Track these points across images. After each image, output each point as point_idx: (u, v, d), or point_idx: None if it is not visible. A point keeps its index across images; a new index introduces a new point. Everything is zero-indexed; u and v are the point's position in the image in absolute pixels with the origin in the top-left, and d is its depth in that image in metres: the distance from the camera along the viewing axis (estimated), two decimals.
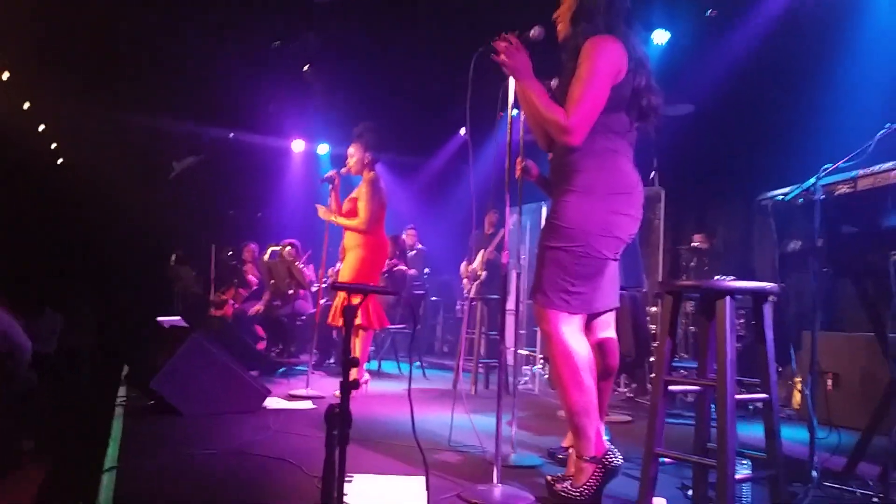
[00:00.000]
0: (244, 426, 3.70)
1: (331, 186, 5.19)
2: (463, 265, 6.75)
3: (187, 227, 9.80)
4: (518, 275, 5.53)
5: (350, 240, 5.06)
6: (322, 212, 5.10)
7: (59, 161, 11.31)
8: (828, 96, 5.57)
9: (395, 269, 7.09)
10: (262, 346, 7.32)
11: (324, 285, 6.31)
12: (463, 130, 9.62)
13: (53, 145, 11.05)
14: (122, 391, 4.61)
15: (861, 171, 2.68)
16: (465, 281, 6.73)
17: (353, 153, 5.09)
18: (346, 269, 5.04)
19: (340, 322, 4.93)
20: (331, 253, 5.38)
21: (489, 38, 2.76)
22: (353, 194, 5.12)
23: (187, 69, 8.01)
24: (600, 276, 2.58)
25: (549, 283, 2.53)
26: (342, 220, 5.05)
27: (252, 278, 8.30)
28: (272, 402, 4.43)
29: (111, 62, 8.01)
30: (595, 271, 2.54)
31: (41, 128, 10.39)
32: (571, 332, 2.53)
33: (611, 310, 2.81)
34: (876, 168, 2.64)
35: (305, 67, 8.05)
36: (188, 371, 3.96)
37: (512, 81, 2.79)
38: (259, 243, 8.63)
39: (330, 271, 5.89)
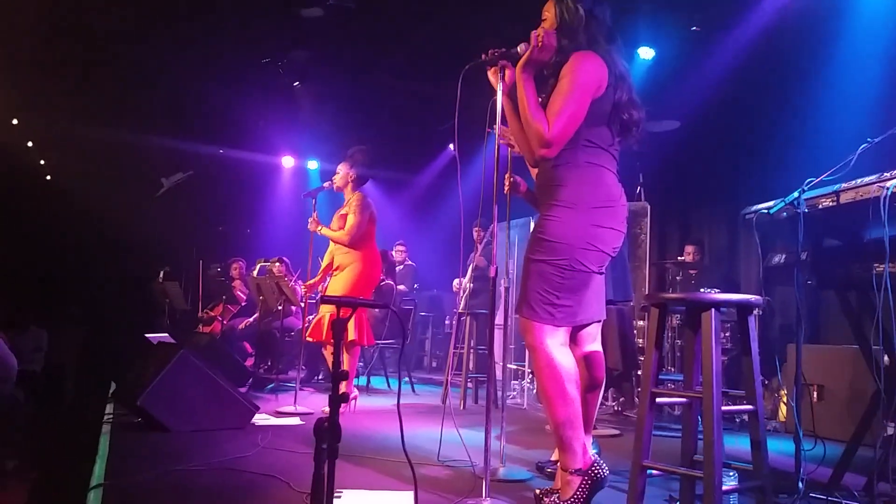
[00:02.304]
0: (232, 442, 3.68)
1: (313, 201, 5.22)
2: (456, 281, 6.76)
3: (176, 243, 9.77)
4: (507, 289, 5.55)
5: (344, 258, 5.06)
6: (310, 223, 5.13)
7: (48, 177, 11.27)
8: (810, 111, 5.65)
9: (382, 283, 7.09)
10: (250, 362, 7.29)
11: (311, 301, 6.30)
12: (451, 146, 9.67)
13: (42, 161, 11.01)
14: (109, 408, 4.58)
15: (843, 185, 2.72)
16: (459, 295, 6.74)
17: (340, 170, 5.16)
18: (338, 284, 5.03)
19: (320, 337, 4.93)
20: (316, 268, 5.38)
21: (477, 53, 2.80)
22: (342, 210, 5.15)
23: (176, 85, 8.02)
24: (585, 289, 2.60)
25: (534, 296, 2.54)
26: (328, 232, 5.08)
27: (240, 294, 8.28)
28: (260, 419, 4.41)
29: (100, 78, 8.01)
30: (580, 284, 2.56)
31: (29, 144, 10.36)
32: (556, 344, 2.54)
33: (596, 322, 2.83)
34: (858, 182, 2.67)
35: (295, 83, 8.08)
36: (176, 387, 3.94)
37: (499, 97, 2.82)
38: (248, 260, 8.61)
39: (321, 287, 5.89)
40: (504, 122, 2.86)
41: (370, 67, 7.72)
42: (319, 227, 5.11)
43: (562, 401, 2.51)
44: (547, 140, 2.49)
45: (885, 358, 2.79)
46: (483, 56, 2.80)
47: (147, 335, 6.27)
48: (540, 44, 2.57)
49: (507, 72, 2.80)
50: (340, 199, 5.28)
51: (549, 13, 2.70)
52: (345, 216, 5.07)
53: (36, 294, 8.72)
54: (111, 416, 4.33)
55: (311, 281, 5.34)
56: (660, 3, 5.83)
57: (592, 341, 2.84)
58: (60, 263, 9.54)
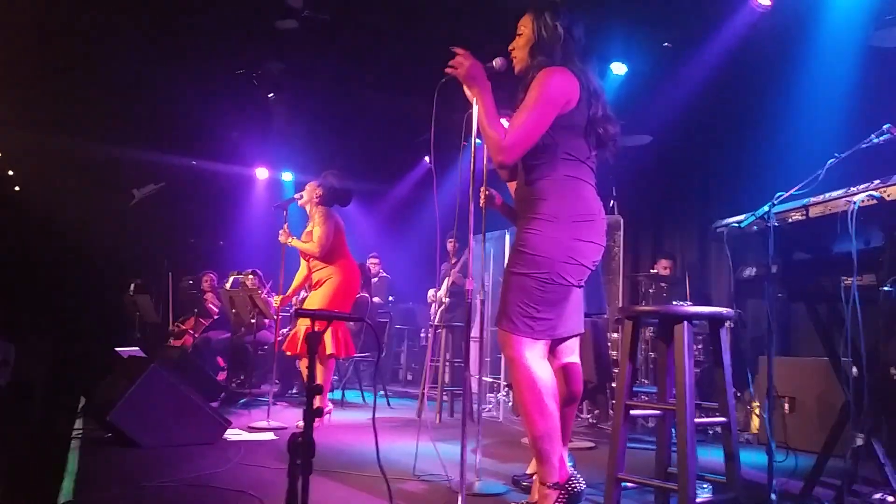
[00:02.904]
0: (204, 458, 3.63)
1: (284, 213, 5.21)
2: (431, 292, 6.76)
3: (147, 255, 9.65)
4: (482, 302, 5.56)
5: (322, 273, 5.05)
6: (281, 234, 5.11)
7: (17, 188, 11.09)
8: (779, 126, 5.75)
9: (357, 296, 7.06)
10: (222, 376, 7.20)
11: (284, 314, 6.25)
12: (427, 159, 9.69)
13: (10, 172, 10.83)
14: (78, 423, 4.50)
15: (812, 199, 2.77)
16: (432, 307, 6.74)
17: (308, 188, 5.19)
18: (317, 299, 5.00)
19: (295, 350, 4.90)
20: (288, 281, 5.34)
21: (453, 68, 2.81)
22: (308, 227, 5.16)
23: (148, 96, 7.94)
24: (565, 303, 2.61)
25: (515, 308, 2.55)
26: (298, 244, 5.07)
27: (212, 307, 8.19)
28: (232, 434, 4.36)
29: (72, 88, 7.91)
30: (560, 298, 2.58)
31: None
32: (535, 357, 2.55)
33: (575, 335, 2.84)
34: (826, 196, 2.72)
35: (270, 95, 8.05)
36: (147, 402, 3.88)
37: (475, 110, 2.84)
38: (220, 272, 8.53)
39: (295, 300, 5.84)
40: (479, 135, 2.87)
41: (345, 79, 7.72)
42: (290, 239, 5.09)
43: (540, 414, 2.51)
44: (502, 146, 2.53)
45: (854, 370, 2.83)
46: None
47: (117, 349, 6.17)
48: (454, 69, 2.65)
49: None
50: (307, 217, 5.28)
51: (525, 28, 2.73)
52: (311, 233, 5.08)
53: (3, 306, 8.55)
54: (80, 431, 4.26)
55: (285, 294, 5.30)
56: (632, 20, 5.91)
57: (571, 354, 2.85)
58: (29, 275, 9.37)
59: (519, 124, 2.52)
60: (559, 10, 2.69)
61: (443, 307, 6.17)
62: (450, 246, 7.16)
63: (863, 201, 2.53)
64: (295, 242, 5.08)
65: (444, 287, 6.33)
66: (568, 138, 2.58)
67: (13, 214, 9.85)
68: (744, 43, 5.72)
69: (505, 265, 2.66)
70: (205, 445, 3.98)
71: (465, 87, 2.85)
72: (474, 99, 2.82)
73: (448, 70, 2.67)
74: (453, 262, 7.07)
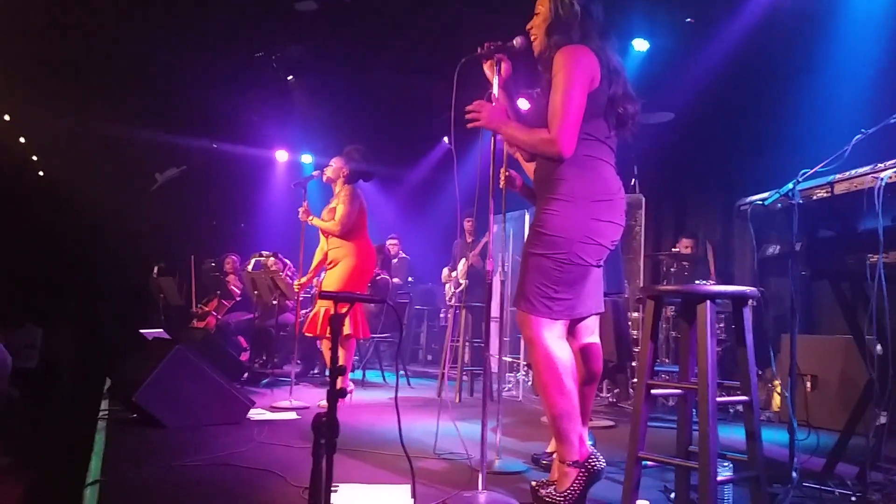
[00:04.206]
0: (228, 438, 3.68)
1: (304, 191, 5.21)
2: (445, 271, 6.78)
3: (169, 238, 9.74)
4: (502, 282, 5.57)
5: (337, 252, 5.06)
6: (301, 213, 5.12)
7: (40, 173, 11.22)
8: (804, 102, 5.66)
9: (378, 277, 7.10)
10: (245, 356, 7.28)
11: (305, 295, 6.29)
12: (446, 139, 9.66)
13: (34, 158, 10.96)
14: (104, 404, 4.57)
15: (838, 176, 2.72)
16: (447, 287, 6.74)
17: (334, 163, 5.15)
18: (333, 279, 5.02)
19: (316, 332, 4.93)
20: (307, 259, 5.36)
21: (473, 47, 2.80)
22: (332, 203, 5.15)
23: (170, 80, 7.99)
24: (584, 283, 2.60)
25: (533, 289, 2.55)
26: (318, 222, 5.08)
27: (235, 289, 8.27)
28: (256, 414, 4.41)
29: (92, 74, 7.97)
30: (578, 278, 2.57)
31: (21, 140, 10.31)
32: (553, 337, 2.55)
33: (594, 315, 2.83)
34: (852, 172, 2.68)
35: (289, 77, 8.05)
36: (172, 383, 3.94)
37: (496, 90, 2.82)
38: (242, 254, 8.60)
39: (315, 281, 5.88)
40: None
41: (364, 61, 7.70)
42: (310, 217, 5.11)
43: (559, 393, 2.51)
44: (552, 139, 2.47)
45: (878, 347, 2.80)
46: (479, 49, 2.80)
47: (142, 331, 6.25)
48: (474, 122, 2.68)
49: (504, 65, 2.80)
50: (332, 192, 5.27)
51: (542, 7, 2.70)
52: (334, 210, 5.06)
53: (30, 291, 8.69)
54: (106, 412, 4.32)
55: (303, 279, 5.32)
56: None
57: (590, 334, 2.85)
58: (54, 260, 9.51)
59: (561, 113, 2.46)
60: None
61: (460, 288, 6.17)
62: (468, 225, 7.16)
63: (890, 177, 2.49)
64: (315, 221, 5.09)
65: (460, 268, 6.33)
66: (588, 118, 2.55)
67: (37, 199, 9.98)
68: (768, 17, 5.62)
69: (523, 246, 2.65)
70: (229, 425, 4.03)
71: (485, 69, 2.84)
72: (494, 79, 2.80)
73: (469, 125, 2.70)
74: (470, 241, 7.07)
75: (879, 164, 2.59)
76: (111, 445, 3.45)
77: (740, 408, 2.42)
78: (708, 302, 2.27)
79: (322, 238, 5.25)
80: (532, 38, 2.74)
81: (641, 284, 6.24)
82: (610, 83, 2.58)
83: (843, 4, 5.31)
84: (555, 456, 2.67)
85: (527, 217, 6.01)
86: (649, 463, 2.37)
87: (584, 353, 2.82)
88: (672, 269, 6.47)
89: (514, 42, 2.76)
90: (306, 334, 5.11)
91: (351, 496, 2.64)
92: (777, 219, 2.91)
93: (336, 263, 5.05)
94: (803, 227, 2.80)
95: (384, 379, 6.87)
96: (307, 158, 10.91)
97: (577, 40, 2.59)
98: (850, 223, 2.78)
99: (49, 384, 6.27)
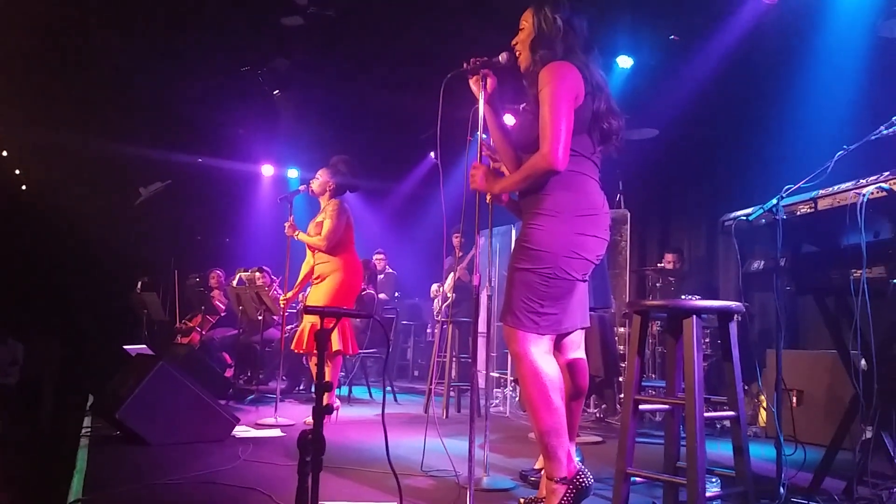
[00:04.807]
0: (213, 455, 3.64)
1: (290, 206, 5.19)
2: (434, 286, 6.76)
3: (154, 253, 9.67)
4: (489, 297, 5.56)
5: (324, 267, 5.03)
6: (287, 228, 5.09)
7: (23, 187, 11.12)
8: (788, 119, 5.72)
9: (364, 293, 7.07)
10: (229, 373, 7.22)
11: (291, 311, 6.25)
12: (433, 154, 9.68)
13: (17, 171, 10.86)
14: (87, 421, 4.51)
15: (821, 192, 2.75)
16: (435, 302, 6.73)
17: (320, 176, 5.13)
18: (320, 294, 4.99)
19: (302, 348, 4.90)
20: (293, 274, 5.33)
21: (459, 62, 2.81)
22: (318, 217, 5.13)
23: (154, 94, 7.96)
24: (569, 297, 2.61)
25: (519, 304, 2.54)
26: (305, 237, 5.05)
27: (219, 304, 8.21)
28: (241, 431, 4.37)
29: (77, 86, 7.93)
30: (564, 292, 2.57)
31: (4, 153, 10.22)
32: (540, 352, 2.54)
33: (580, 329, 2.83)
34: (835, 188, 2.71)
35: (275, 92, 8.05)
36: (155, 400, 3.89)
37: (481, 105, 2.83)
38: (227, 269, 8.55)
39: (301, 296, 5.85)
40: (486, 131, 2.87)
41: (351, 76, 7.72)
42: (297, 232, 5.08)
43: (546, 409, 2.51)
44: (543, 156, 2.47)
45: (863, 363, 2.82)
46: (465, 65, 2.81)
47: (125, 347, 6.19)
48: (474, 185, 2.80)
49: (489, 80, 2.82)
50: (318, 206, 5.25)
51: (526, 23, 2.72)
52: (321, 224, 5.04)
53: (12, 306, 8.59)
54: (89, 429, 4.26)
55: (288, 294, 5.29)
56: (638, 13, 5.88)
57: (576, 349, 2.85)
58: (37, 274, 9.41)
59: (550, 129, 2.47)
60: (559, 3, 2.67)
61: (447, 302, 6.17)
62: (455, 241, 7.17)
63: (872, 193, 2.51)
64: (302, 236, 5.06)
65: (448, 281, 6.33)
66: (573, 134, 2.56)
67: (20, 213, 9.88)
68: (751, 35, 5.68)
69: (509, 261, 2.65)
70: (213, 443, 3.98)
71: (471, 84, 2.85)
72: (480, 95, 2.82)
73: (472, 187, 2.81)
74: (458, 255, 7.08)
75: (862, 180, 2.62)
76: (93, 463, 3.39)
77: (727, 423, 2.42)
78: (694, 317, 2.28)
79: (308, 252, 5.22)
80: (517, 53, 2.75)
81: (627, 299, 6.26)
82: (594, 99, 2.59)
83: (825, 23, 5.38)
84: (543, 472, 2.66)
85: (513, 232, 6.02)
86: (638, 479, 2.37)
87: (570, 369, 2.82)
88: (658, 284, 6.50)
89: (500, 58, 2.78)
90: (294, 351, 5.07)
91: None
92: (761, 234, 2.93)
93: (323, 278, 5.02)
94: (787, 243, 2.82)
95: (371, 395, 6.84)
96: (293, 173, 10.90)
97: (560, 55, 2.60)
98: (834, 238, 2.80)
99: (30, 400, 6.18)
